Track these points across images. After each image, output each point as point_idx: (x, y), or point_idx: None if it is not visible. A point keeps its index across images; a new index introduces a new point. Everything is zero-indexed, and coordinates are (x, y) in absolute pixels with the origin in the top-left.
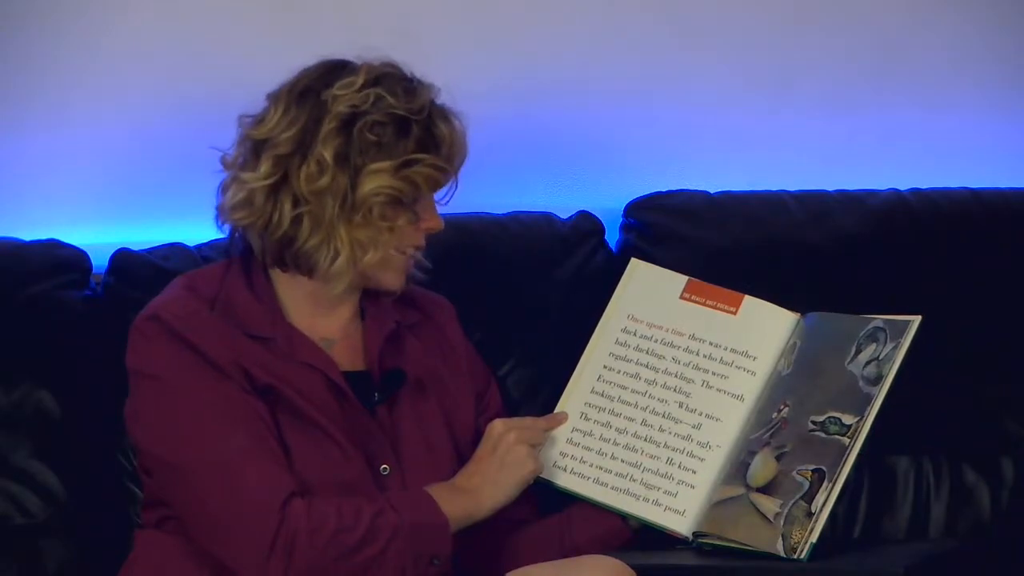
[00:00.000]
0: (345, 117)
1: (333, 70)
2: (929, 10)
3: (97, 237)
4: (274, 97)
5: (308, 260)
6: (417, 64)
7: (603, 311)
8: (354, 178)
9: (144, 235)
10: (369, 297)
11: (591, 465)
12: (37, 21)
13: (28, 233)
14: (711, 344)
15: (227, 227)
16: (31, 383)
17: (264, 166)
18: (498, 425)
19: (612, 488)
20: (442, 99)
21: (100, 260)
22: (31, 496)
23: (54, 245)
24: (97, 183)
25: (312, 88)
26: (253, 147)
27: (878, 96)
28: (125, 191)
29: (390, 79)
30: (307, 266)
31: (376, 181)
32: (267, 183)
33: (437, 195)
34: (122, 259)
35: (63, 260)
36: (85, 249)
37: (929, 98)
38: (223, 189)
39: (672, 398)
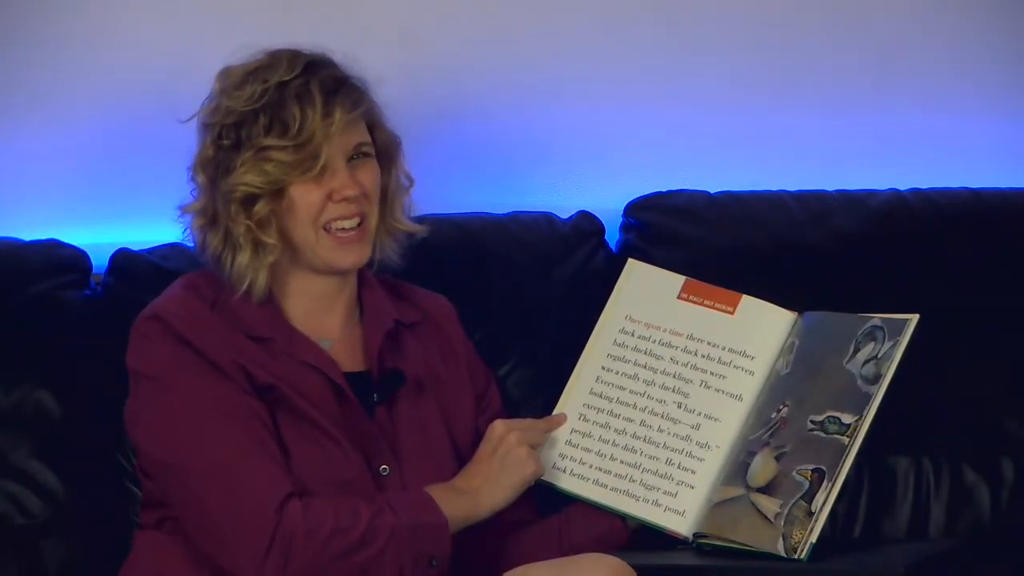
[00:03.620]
0: (203, 130)
1: None
2: (929, 10)
3: (97, 237)
4: None
5: (219, 265)
6: (417, 64)
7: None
8: (223, 186)
9: (144, 235)
10: (366, 294)
11: (590, 466)
12: (37, 20)
13: (28, 233)
14: (709, 344)
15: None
16: (31, 383)
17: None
18: (499, 426)
19: (612, 489)
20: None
21: (100, 260)
22: (31, 496)
23: (54, 245)
24: (97, 183)
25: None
26: None
27: (878, 96)
28: (125, 191)
29: (230, 77)
30: (223, 270)
31: (235, 180)
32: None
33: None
34: (122, 259)
35: (63, 260)
36: (85, 249)
37: (929, 98)
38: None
39: (671, 398)
